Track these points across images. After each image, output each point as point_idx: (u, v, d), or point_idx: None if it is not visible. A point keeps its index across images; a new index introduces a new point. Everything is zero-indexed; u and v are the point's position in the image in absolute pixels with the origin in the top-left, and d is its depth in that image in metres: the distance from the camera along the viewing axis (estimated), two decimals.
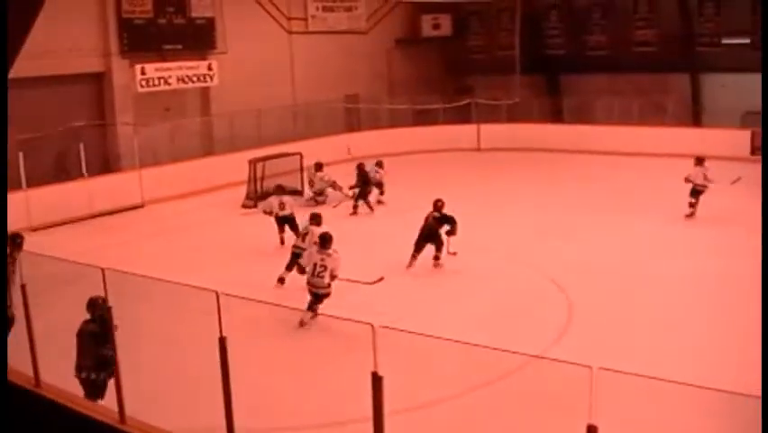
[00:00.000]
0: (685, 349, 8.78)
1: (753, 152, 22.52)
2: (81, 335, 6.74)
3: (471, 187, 19.14)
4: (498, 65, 26.41)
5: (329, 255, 9.41)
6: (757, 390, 4.83)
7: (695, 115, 24.87)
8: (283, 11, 24.01)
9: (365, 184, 16.76)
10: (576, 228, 14.80)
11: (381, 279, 10.47)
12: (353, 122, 25.62)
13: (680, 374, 4.61)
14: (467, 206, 15.58)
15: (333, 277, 9.41)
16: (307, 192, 18.00)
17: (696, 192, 15.15)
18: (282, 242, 13.60)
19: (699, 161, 15.71)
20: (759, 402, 4.28)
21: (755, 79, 23.91)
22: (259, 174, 18.16)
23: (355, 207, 16.62)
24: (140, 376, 6.86)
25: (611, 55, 25.32)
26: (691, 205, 15.16)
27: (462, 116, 25.88)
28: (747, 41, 23.70)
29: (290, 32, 24.29)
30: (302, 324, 9.32)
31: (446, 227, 11.85)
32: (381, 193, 17.68)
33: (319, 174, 17.74)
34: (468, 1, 26.11)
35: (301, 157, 18.81)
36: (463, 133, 25.46)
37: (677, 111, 24.24)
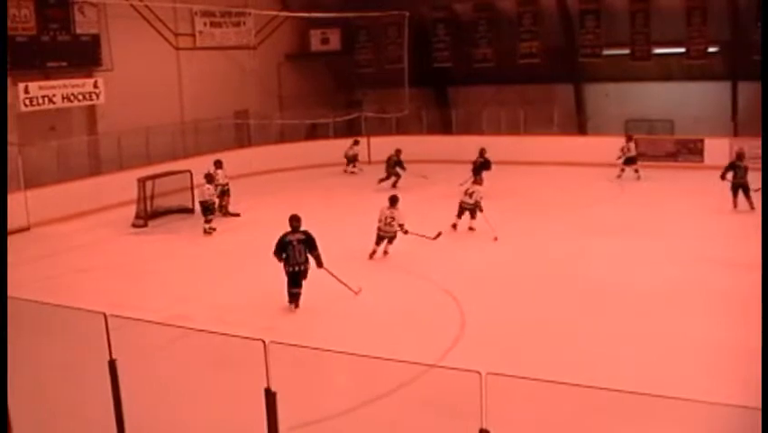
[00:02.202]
0: (580, 353, 9.57)
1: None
2: None
3: (365, 199, 20.65)
4: (387, 78, 29.04)
5: (396, 210, 14.49)
6: (647, 386, 5.56)
7: (580, 124, 28.59)
8: (170, 27, 25.82)
9: None
10: (469, 238, 16.22)
11: (440, 234, 15.02)
12: (243, 138, 27.73)
13: (573, 377, 5.41)
14: (360, 217, 17.09)
15: (399, 226, 14.40)
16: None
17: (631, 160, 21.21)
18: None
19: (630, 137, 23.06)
20: (646, 399, 5.02)
21: (636, 88, 29.10)
22: (148, 193, 19.67)
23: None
24: (31, 404, 7.19)
25: (497, 67, 28.52)
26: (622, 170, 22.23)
27: (353, 130, 28.62)
28: (627, 51, 28.13)
29: (178, 49, 26.26)
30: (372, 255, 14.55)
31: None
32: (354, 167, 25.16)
33: (219, 171, 19.75)
34: (356, 15, 28.54)
35: (191, 174, 20.37)
36: None
37: (562, 120, 27.88)
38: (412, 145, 26.57)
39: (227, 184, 20.14)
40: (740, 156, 19.33)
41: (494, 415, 4.89)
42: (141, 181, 19.96)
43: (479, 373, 4.76)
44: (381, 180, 22.80)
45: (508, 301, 12.04)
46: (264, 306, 12.15)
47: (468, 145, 25.58)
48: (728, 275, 12.80)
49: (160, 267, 15.63)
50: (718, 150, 25.53)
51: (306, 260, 11.80)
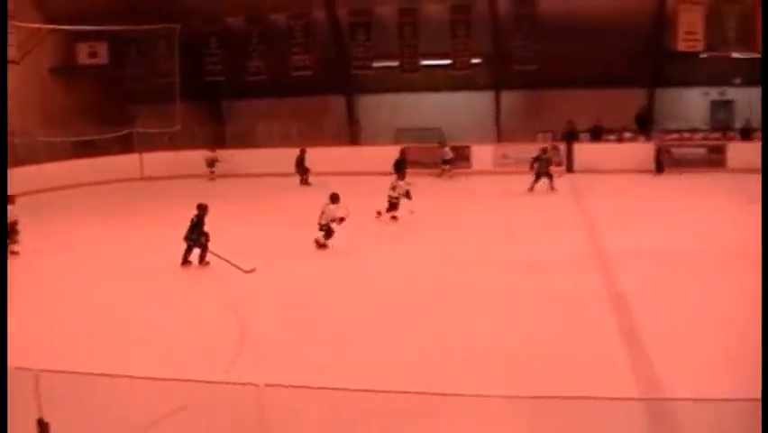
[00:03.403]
0: (364, 358, 9.81)
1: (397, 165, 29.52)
2: None
3: (139, 217, 21.11)
4: (158, 93, 29.65)
5: (330, 207, 15.87)
6: (429, 386, 6.09)
7: (352, 135, 30.49)
8: None
9: None
10: (256, 252, 15.70)
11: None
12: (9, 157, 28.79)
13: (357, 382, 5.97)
14: (135, 236, 17.66)
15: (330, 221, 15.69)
16: None
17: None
18: None
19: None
20: (429, 398, 5.52)
21: (406, 98, 31.79)
22: None
23: None
24: None
25: (270, 80, 29.86)
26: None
27: (125, 146, 29.07)
28: (396, 63, 31.00)
29: None
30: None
31: None
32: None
33: None
34: (124, 29, 29.18)
35: None
36: (125, 162, 28.75)
37: (335, 131, 29.72)
38: (186, 159, 28.30)
39: None
40: (544, 150, 24.06)
41: (274, 426, 5.41)
42: None
43: (256, 385, 5.23)
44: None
45: (293, 314, 12.09)
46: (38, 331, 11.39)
47: (242, 157, 27.85)
48: (506, 276, 13.73)
49: None
50: (484, 155, 28.31)
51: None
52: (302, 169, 25.99)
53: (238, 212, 20.91)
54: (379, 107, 30.21)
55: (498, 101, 29.73)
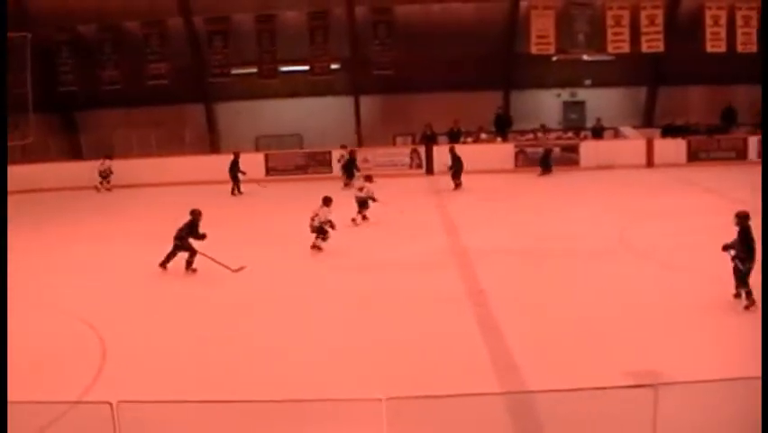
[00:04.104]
0: (230, 368, 9.97)
1: (267, 172, 30.71)
2: None
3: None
4: (10, 104, 30.81)
5: (323, 209, 16.34)
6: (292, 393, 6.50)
7: (212, 143, 31.00)
8: None
9: None
10: (117, 262, 16.09)
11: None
12: None
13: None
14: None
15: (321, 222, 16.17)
16: None
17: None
18: None
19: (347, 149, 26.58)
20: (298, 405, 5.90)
21: (265, 105, 32.84)
22: None
23: None
24: None
25: (126, 89, 30.09)
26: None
27: None
28: (255, 70, 32.04)
29: None
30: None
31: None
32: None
33: None
34: None
35: None
36: None
37: (194, 140, 30.32)
38: (40, 173, 28.13)
39: None
40: (351, 152, 26.46)
41: None
42: None
43: (110, 403, 5.32)
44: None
45: (151, 325, 12.09)
46: None
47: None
48: (364, 277, 14.35)
49: None
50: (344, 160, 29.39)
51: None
52: (235, 175, 25.48)
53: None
54: (239, 114, 30.86)
55: (357, 106, 30.85)
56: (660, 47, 30.15)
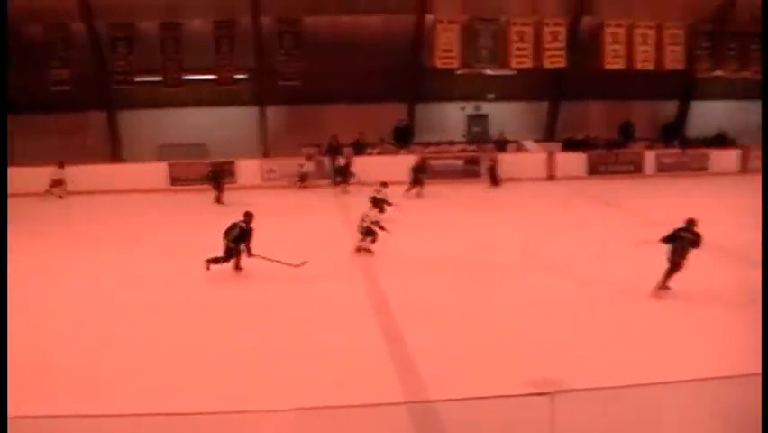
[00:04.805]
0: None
1: (171, 182, 31.48)
2: None
3: None
4: None
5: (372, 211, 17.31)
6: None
7: (114, 151, 31.68)
8: None
9: None
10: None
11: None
12: None
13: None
14: None
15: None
16: None
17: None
18: None
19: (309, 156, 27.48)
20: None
21: (170, 114, 33.60)
22: None
23: None
24: None
25: (27, 95, 30.12)
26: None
27: None
28: (159, 78, 32.68)
29: None
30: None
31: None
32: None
33: None
34: None
35: None
36: None
37: (96, 148, 30.86)
38: None
39: None
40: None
41: None
42: None
43: None
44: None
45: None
46: None
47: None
48: (269, 288, 14.85)
49: None
50: (250, 170, 30.44)
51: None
52: (218, 184, 26.11)
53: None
54: (141, 123, 31.45)
55: (263, 116, 31.78)
56: (562, 63, 31.86)
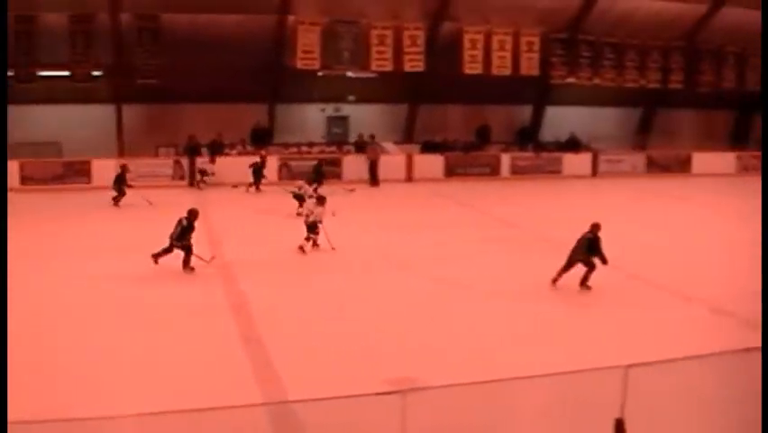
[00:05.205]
0: None
1: (22, 181, 31.28)
2: None
3: None
4: None
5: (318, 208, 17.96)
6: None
7: None
8: None
9: None
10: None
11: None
12: None
13: None
14: None
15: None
16: None
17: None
18: None
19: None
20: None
21: (21, 111, 32.85)
22: None
23: None
24: None
25: None
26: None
27: None
28: (11, 73, 31.86)
29: None
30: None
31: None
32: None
33: None
34: None
35: None
36: None
37: None
38: None
39: None
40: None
41: None
42: None
43: None
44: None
45: None
46: None
47: None
48: (122, 289, 14.92)
49: None
50: (105, 170, 30.35)
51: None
52: (120, 187, 25.47)
53: None
54: None
55: (119, 115, 31.82)
56: (420, 67, 33.09)
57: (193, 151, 30.09)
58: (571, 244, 15.19)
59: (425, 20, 32.69)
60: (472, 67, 33.36)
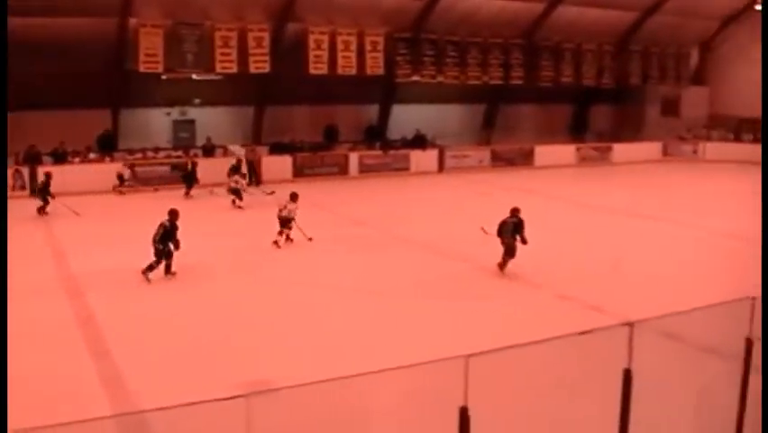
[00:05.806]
0: None
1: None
2: None
3: None
4: None
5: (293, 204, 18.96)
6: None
7: None
8: None
9: None
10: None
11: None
12: None
13: None
14: None
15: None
16: None
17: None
18: None
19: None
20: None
21: None
22: None
23: None
24: None
25: None
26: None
27: None
28: None
29: None
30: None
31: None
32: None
33: None
34: None
35: None
36: None
37: None
38: None
39: None
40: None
41: None
42: None
43: None
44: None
45: None
46: None
47: None
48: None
49: None
50: None
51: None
52: (44, 194, 25.21)
53: None
54: None
55: None
56: (266, 68, 33.78)
57: (33, 159, 29.77)
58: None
59: (269, 21, 33.28)
60: (318, 67, 34.25)
